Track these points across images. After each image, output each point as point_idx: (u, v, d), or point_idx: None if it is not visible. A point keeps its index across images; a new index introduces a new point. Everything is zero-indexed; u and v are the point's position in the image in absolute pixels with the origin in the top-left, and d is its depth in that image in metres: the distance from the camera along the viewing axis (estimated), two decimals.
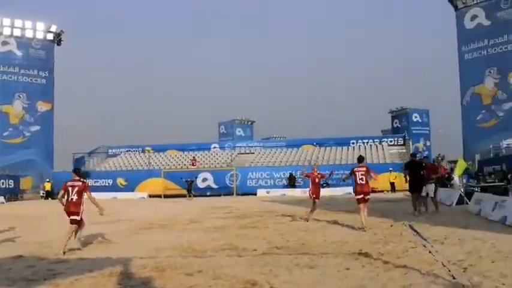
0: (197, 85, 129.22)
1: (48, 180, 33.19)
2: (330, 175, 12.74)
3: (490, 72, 34.25)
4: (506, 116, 33.13)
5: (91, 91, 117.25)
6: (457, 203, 15.02)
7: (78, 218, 7.84)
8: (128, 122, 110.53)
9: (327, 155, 36.01)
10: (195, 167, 34.76)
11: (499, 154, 27.30)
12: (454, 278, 4.94)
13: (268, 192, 30.65)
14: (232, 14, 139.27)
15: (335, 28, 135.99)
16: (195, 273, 5.66)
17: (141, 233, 10.35)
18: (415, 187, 12.64)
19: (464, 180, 18.74)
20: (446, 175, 19.62)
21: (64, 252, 7.39)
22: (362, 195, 9.66)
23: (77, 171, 8.63)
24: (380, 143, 37.92)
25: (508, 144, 27.78)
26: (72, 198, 7.82)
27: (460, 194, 15.35)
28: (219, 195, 31.00)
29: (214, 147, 41.18)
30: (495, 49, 34.17)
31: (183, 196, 28.36)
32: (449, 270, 5.29)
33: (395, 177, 28.11)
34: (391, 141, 38.50)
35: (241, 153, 38.88)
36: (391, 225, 10.11)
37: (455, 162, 20.21)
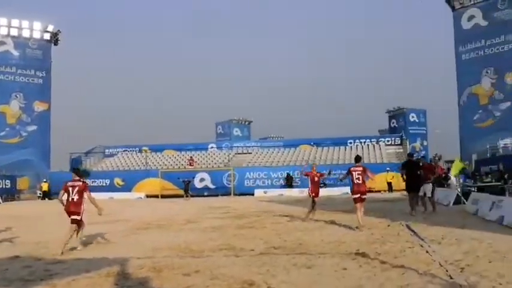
0: (194, 85, 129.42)
1: (45, 180, 33.08)
2: (328, 174, 12.78)
3: (487, 72, 34.31)
4: (503, 116, 33.20)
5: (88, 91, 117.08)
6: (454, 203, 15.05)
7: (78, 217, 7.86)
8: (125, 122, 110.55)
9: (324, 154, 36.05)
10: (192, 167, 34.74)
11: (496, 154, 27.35)
12: (451, 278, 4.95)
13: (265, 192, 30.65)
14: (232, 14, 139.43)
15: (335, 28, 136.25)
16: (193, 274, 5.66)
17: (138, 233, 10.33)
18: (412, 187, 12.68)
19: (461, 180, 18.80)
20: (443, 175, 19.66)
21: (62, 252, 7.39)
22: (359, 195, 9.69)
23: (76, 171, 8.62)
24: (377, 142, 38.01)
25: (504, 144, 27.82)
26: (73, 198, 7.84)
27: (457, 194, 15.39)
28: (217, 195, 30.98)
29: (212, 147, 41.20)
30: (492, 49, 34.24)
31: (181, 196, 28.33)
32: (447, 270, 5.30)
33: (393, 177, 28.20)
34: (388, 141, 38.61)
35: (239, 153, 38.89)
36: (389, 225, 10.13)
37: (452, 162, 20.24)
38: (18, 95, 38.99)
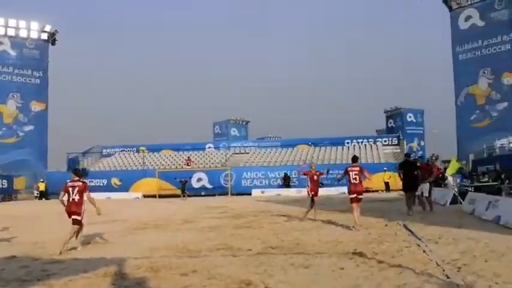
0: (192, 85, 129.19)
1: (42, 180, 33.02)
2: (327, 173, 12.79)
3: (484, 72, 34.45)
4: (499, 116, 33.34)
5: (86, 91, 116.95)
6: (451, 203, 15.09)
7: (79, 218, 7.87)
8: (122, 122, 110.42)
9: (321, 154, 36.07)
10: (189, 167, 34.70)
11: (493, 154, 27.46)
12: (448, 278, 4.96)
13: (263, 192, 30.66)
14: (232, 14, 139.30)
15: (335, 28, 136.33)
16: (190, 273, 5.65)
17: (136, 233, 10.31)
18: (409, 187, 12.71)
19: (458, 180, 18.85)
20: (441, 175, 19.71)
21: (60, 252, 7.38)
22: (355, 195, 9.75)
23: (76, 171, 8.60)
24: (374, 142, 38.05)
25: (501, 144, 27.95)
26: (74, 199, 7.86)
27: (454, 194, 15.42)
28: (214, 195, 30.95)
29: (209, 147, 41.15)
30: (489, 50, 34.38)
31: (178, 196, 28.31)
32: (444, 270, 5.31)
33: (390, 177, 28.27)
34: (385, 141, 38.66)
35: (236, 153, 38.88)
36: (386, 225, 10.14)
37: (449, 162, 20.30)
38: (15, 95, 38.94)
